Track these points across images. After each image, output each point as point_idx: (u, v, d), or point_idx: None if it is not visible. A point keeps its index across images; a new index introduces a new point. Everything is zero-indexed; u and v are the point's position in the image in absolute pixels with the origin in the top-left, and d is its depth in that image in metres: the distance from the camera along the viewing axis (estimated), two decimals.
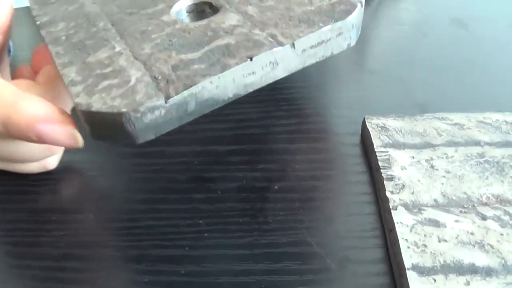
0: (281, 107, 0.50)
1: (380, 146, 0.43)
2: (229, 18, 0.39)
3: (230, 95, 0.35)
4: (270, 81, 0.37)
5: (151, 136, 0.34)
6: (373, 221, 0.40)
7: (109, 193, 0.44)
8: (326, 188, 0.43)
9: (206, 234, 0.39)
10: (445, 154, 0.42)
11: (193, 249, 0.38)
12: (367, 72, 0.55)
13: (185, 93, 0.33)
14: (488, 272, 0.34)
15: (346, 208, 0.41)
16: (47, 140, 0.36)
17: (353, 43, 0.40)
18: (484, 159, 0.42)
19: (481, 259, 0.35)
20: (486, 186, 0.40)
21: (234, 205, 0.41)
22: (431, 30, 0.61)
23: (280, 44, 0.36)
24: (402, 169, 0.41)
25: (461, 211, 0.38)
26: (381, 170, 0.41)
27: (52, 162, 0.44)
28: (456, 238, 0.37)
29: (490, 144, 0.43)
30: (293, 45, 0.36)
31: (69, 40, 0.41)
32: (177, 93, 0.33)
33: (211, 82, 0.34)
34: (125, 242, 0.39)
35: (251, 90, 0.36)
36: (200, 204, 0.42)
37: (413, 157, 0.42)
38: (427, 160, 0.42)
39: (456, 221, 0.38)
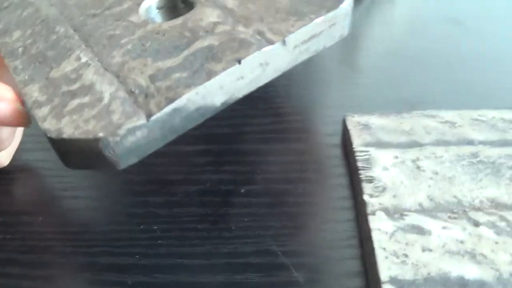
0: (255, 105, 0.45)
1: (360, 145, 0.37)
2: (207, 14, 0.34)
3: (218, 105, 0.30)
4: (260, 84, 0.32)
5: (134, 160, 0.29)
6: (350, 229, 0.35)
7: (62, 194, 0.39)
8: (299, 192, 0.37)
9: (160, 241, 0.35)
10: (434, 153, 0.36)
11: (144, 258, 0.34)
12: (353, 70, 0.50)
13: (169, 108, 0.28)
14: (480, 286, 0.29)
15: (320, 214, 0.36)
16: None
17: (345, 34, 0.35)
18: (478, 159, 0.36)
19: (472, 271, 0.30)
20: (480, 189, 0.34)
21: (194, 210, 0.36)
22: (424, 28, 0.55)
23: (270, 42, 0.31)
24: (383, 170, 0.36)
25: (450, 217, 0.33)
26: (360, 171, 0.36)
27: (2, 158, 0.39)
28: (443, 247, 0.31)
29: (484, 143, 0.37)
30: (284, 42, 0.31)
31: (28, 52, 0.35)
32: (159, 109, 0.28)
33: (196, 93, 0.29)
34: (73, 248, 0.35)
35: (240, 96, 0.31)
36: (157, 208, 0.37)
37: (396, 157, 0.36)
38: (412, 160, 0.36)
39: (444, 227, 0.32)
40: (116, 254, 0.34)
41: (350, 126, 0.39)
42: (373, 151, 0.37)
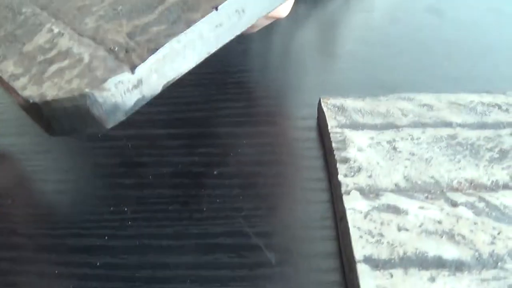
0: (228, 90, 0.44)
1: (335, 127, 0.36)
2: None
3: (200, 54, 0.29)
4: (238, 32, 0.31)
5: (121, 117, 0.27)
6: (325, 210, 0.33)
7: (32, 177, 0.38)
8: (272, 173, 0.36)
9: (129, 223, 0.33)
10: (410, 135, 0.35)
11: (113, 239, 0.32)
12: (330, 57, 0.49)
13: (152, 58, 0.27)
14: (458, 267, 0.28)
15: (293, 195, 0.34)
16: None
17: None
18: (456, 141, 0.35)
19: (450, 251, 0.28)
20: (458, 170, 0.33)
21: (164, 192, 0.35)
22: (404, 16, 0.54)
23: None
24: (359, 150, 0.34)
25: (427, 197, 0.31)
26: (335, 152, 0.34)
27: None
28: (420, 227, 0.30)
29: (463, 125, 0.36)
30: None
31: None
32: (142, 60, 0.26)
33: (178, 41, 0.28)
34: (40, 230, 0.33)
35: (220, 45, 0.30)
36: (128, 190, 0.35)
37: (372, 138, 0.35)
38: (388, 142, 0.35)
39: (421, 207, 0.31)
40: (84, 235, 0.32)
41: (325, 108, 0.38)
42: (348, 132, 0.36)
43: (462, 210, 0.30)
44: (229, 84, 0.44)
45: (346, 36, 0.51)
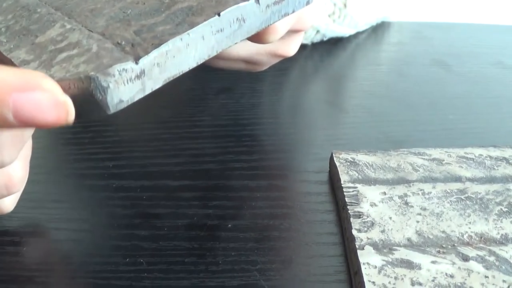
0: (242, 143, 0.45)
1: (348, 182, 0.37)
2: None
3: (200, 55, 0.31)
4: (237, 40, 0.33)
5: (122, 105, 0.29)
6: (338, 264, 0.34)
7: (47, 225, 0.38)
8: (286, 227, 0.36)
9: (145, 274, 0.33)
10: (421, 190, 0.36)
11: None
12: (339, 110, 0.50)
13: (155, 52, 0.29)
14: None
15: (307, 249, 0.35)
16: (27, 115, 0.25)
17: (311, 1, 0.36)
18: (466, 195, 0.36)
19: None
20: (468, 224, 0.34)
21: (180, 244, 0.35)
22: (411, 69, 0.56)
23: (245, 1, 0.32)
24: (371, 205, 0.35)
25: (439, 251, 0.32)
26: (348, 207, 0.35)
27: (7, 204, 0.36)
28: (433, 281, 0.30)
29: (472, 180, 0.37)
30: (257, 0, 0.32)
31: (11, 29, 0.36)
32: (146, 53, 0.29)
33: (181, 39, 0.30)
34: (55, 279, 0.34)
35: (220, 50, 0.32)
36: (143, 241, 0.36)
37: (384, 193, 0.36)
38: (400, 197, 0.36)
39: (433, 262, 0.32)
40: (100, 286, 0.33)
41: (337, 163, 0.39)
42: (360, 187, 0.37)
43: (473, 264, 0.31)
44: (243, 137, 0.45)
45: (354, 90, 0.53)
